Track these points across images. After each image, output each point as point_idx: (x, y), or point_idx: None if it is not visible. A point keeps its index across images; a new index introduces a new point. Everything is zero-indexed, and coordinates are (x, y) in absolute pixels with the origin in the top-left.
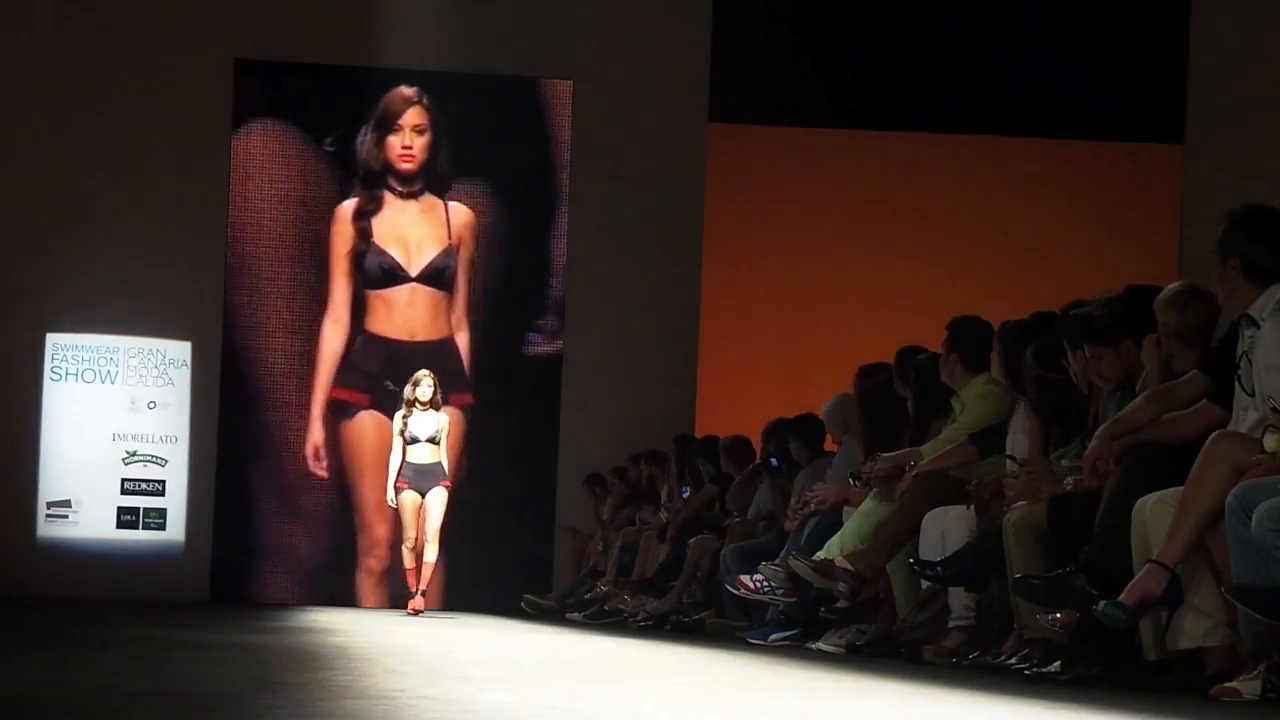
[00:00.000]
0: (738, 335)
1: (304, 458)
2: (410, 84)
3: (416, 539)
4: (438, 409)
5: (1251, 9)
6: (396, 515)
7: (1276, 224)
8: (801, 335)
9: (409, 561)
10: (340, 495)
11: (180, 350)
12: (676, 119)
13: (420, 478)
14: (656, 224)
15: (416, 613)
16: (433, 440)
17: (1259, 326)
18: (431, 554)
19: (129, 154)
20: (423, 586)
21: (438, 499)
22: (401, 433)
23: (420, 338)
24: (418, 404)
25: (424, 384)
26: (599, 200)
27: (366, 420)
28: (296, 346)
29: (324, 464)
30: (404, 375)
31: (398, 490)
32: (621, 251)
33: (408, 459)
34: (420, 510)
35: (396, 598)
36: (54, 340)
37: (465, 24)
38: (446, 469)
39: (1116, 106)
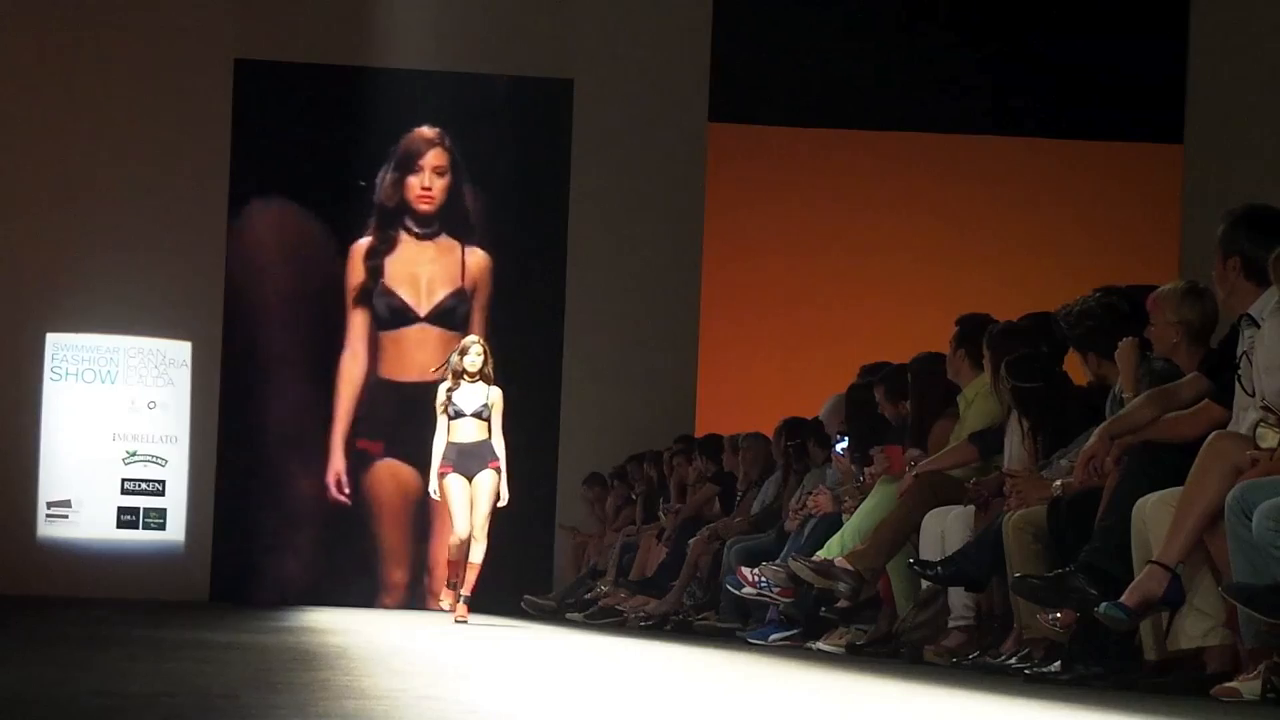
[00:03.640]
0: (738, 335)
1: (326, 486)
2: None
3: (469, 532)
4: (489, 382)
5: (1251, 9)
6: (444, 507)
7: (1277, 224)
8: (801, 335)
9: (455, 554)
10: (346, 502)
11: (180, 350)
12: (677, 119)
13: (465, 459)
14: (656, 224)
15: (463, 620)
16: (479, 415)
17: (1259, 326)
18: (477, 554)
19: (129, 153)
20: (466, 592)
21: (486, 484)
22: (445, 406)
23: (432, 378)
24: (465, 375)
25: (472, 352)
26: (599, 200)
27: (383, 469)
28: (298, 347)
29: (347, 493)
30: (417, 418)
31: (441, 476)
32: (622, 251)
33: (451, 438)
34: (469, 496)
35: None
36: (54, 340)
37: (464, 24)
38: (498, 450)
39: (1116, 106)
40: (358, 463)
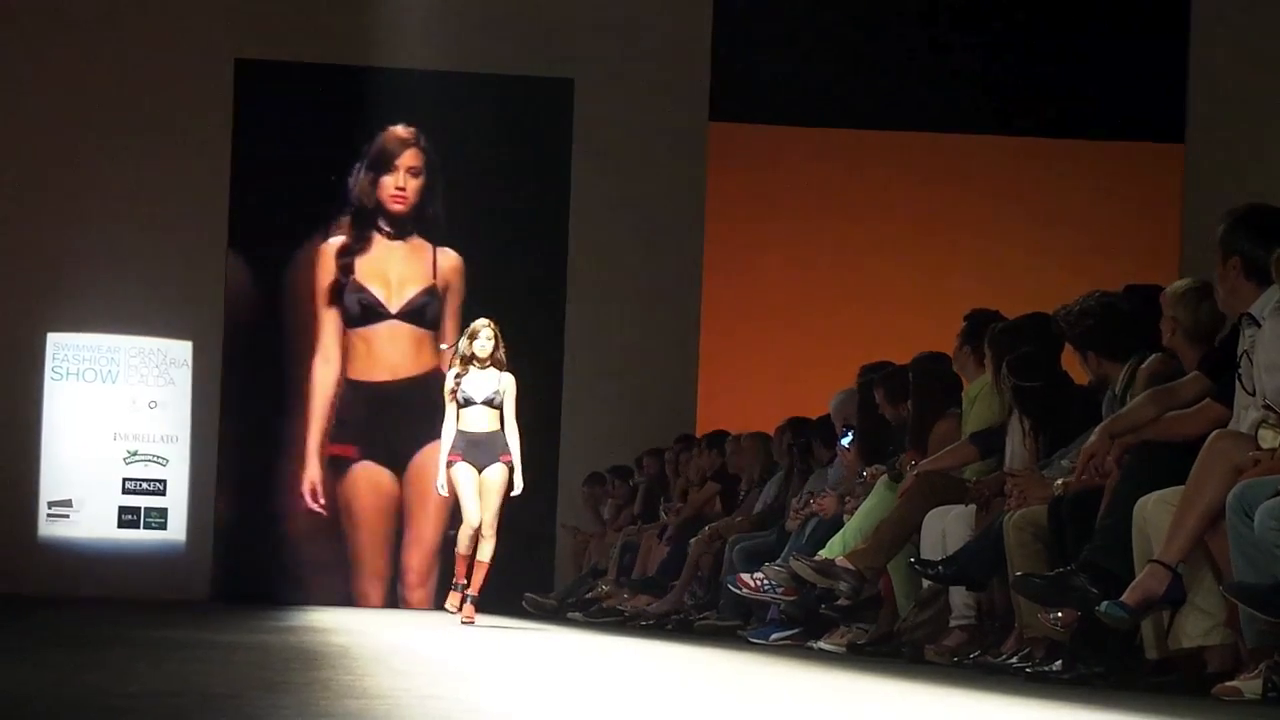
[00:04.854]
0: (738, 334)
1: (300, 495)
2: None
3: (479, 522)
4: (501, 367)
5: (1251, 9)
6: (453, 501)
7: (1277, 224)
8: (802, 334)
9: (464, 548)
10: (335, 511)
11: (180, 350)
12: (677, 118)
13: (475, 449)
14: (656, 224)
15: (469, 621)
16: (490, 404)
17: (1260, 326)
18: (486, 551)
19: (129, 153)
20: (472, 591)
21: (496, 478)
22: (453, 393)
23: (403, 375)
24: (475, 360)
25: (482, 336)
26: (599, 200)
27: (359, 474)
28: (295, 347)
29: (322, 502)
30: (390, 418)
31: (449, 465)
32: (622, 251)
33: (460, 427)
34: (479, 488)
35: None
36: (54, 340)
37: (464, 23)
38: (511, 443)
39: (1116, 106)
40: (333, 470)
